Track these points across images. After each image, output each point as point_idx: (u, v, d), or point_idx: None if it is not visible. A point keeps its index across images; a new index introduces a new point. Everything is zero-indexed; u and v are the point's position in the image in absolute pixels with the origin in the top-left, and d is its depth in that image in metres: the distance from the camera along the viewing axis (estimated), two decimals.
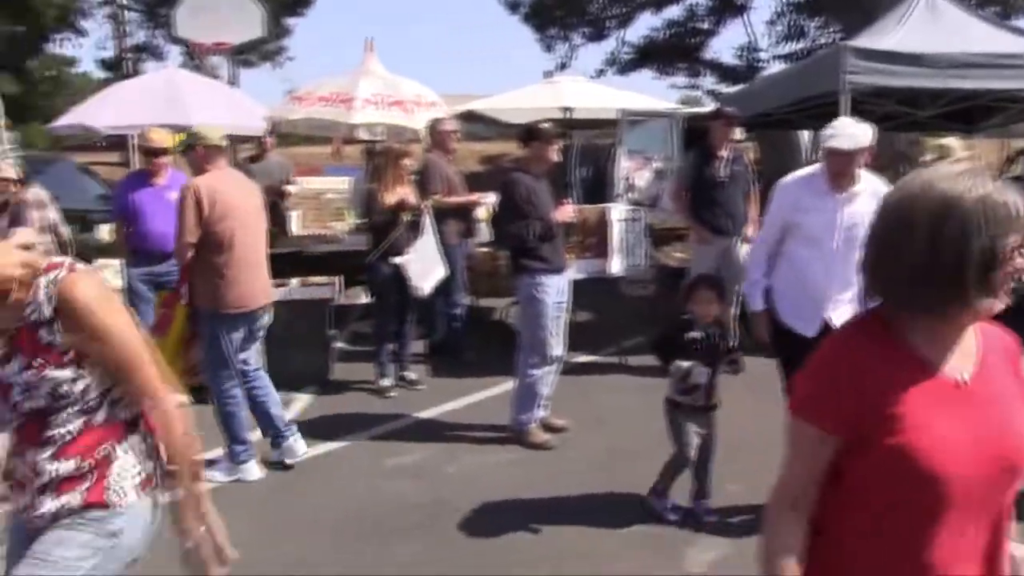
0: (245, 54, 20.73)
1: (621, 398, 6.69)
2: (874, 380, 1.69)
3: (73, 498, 2.30)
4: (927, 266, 1.64)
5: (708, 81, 23.81)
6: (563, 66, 20.87)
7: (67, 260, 2.28)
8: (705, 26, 22.74)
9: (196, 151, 5.32)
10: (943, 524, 1.67)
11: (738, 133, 11.42)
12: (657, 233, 8.82)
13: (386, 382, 7.10)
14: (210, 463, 5.27)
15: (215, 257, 5.20)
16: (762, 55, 22.18)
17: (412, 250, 6.92)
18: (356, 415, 6.59)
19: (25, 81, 26.76)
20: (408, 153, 7.10)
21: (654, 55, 22.87)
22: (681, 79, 24.07)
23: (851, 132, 4.36)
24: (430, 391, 7.15)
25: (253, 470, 5.47)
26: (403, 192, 6.95)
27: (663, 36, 22.59)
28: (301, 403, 6.94)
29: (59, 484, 2.31)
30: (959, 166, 1.69)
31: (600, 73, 21.85)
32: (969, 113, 11.36)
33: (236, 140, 13.41)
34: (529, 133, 5.91)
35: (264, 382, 5.66)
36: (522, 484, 5.24)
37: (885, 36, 8.84)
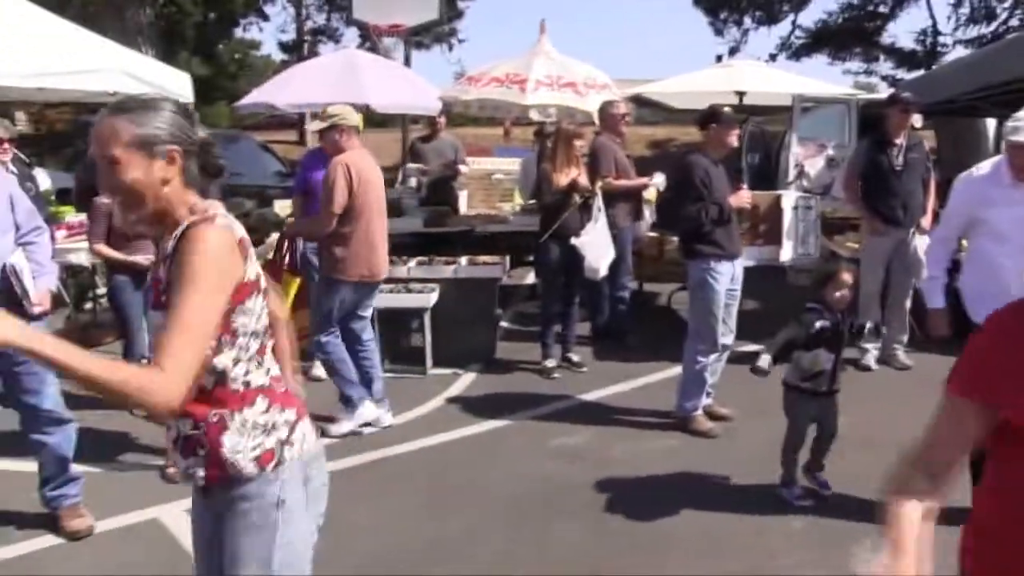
0: (419, 36, 21.18)
1: None
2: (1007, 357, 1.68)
3: (198, 463, 2.21)
4: None
5: (885, 67, 22.90)
6: (734, 50, 20.49)
7: (218, 210, 2.21)
8: (883, 9, 21.86)
9: (337, 131, 5.69)
10: None
11: (917, 121, 11.01)
12: (828, 222, 8.56)
13: (550, 363, 7.15)
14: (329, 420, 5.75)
15: (348, 229, 5.58)
16: (944, 39, 21.14)
17: (586, 232, 6.94)
18: (520, 394, 6.67)
19: (214, 64, 28.19)
20: (580, 135, 7.11)
21: (828, 39, 22.15)
22: (856, 64, 23.22)
23: None
24: (593, 374, 7.16)
25: (371, 410, 5.85)
26: (574, 173, 6.97)
27: (838, 20, 21.84)
28: (466, 380, 7.06)
29: (184, 442, 2.23)
30: None
31: (772, 58, 21.37)
32: None
33: (409, 120, 13.80)
34: (708, 116, 5.83)
35: (375, 355, 6.06)
36: (684, 472, 5.19)
37: None
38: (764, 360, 4.62)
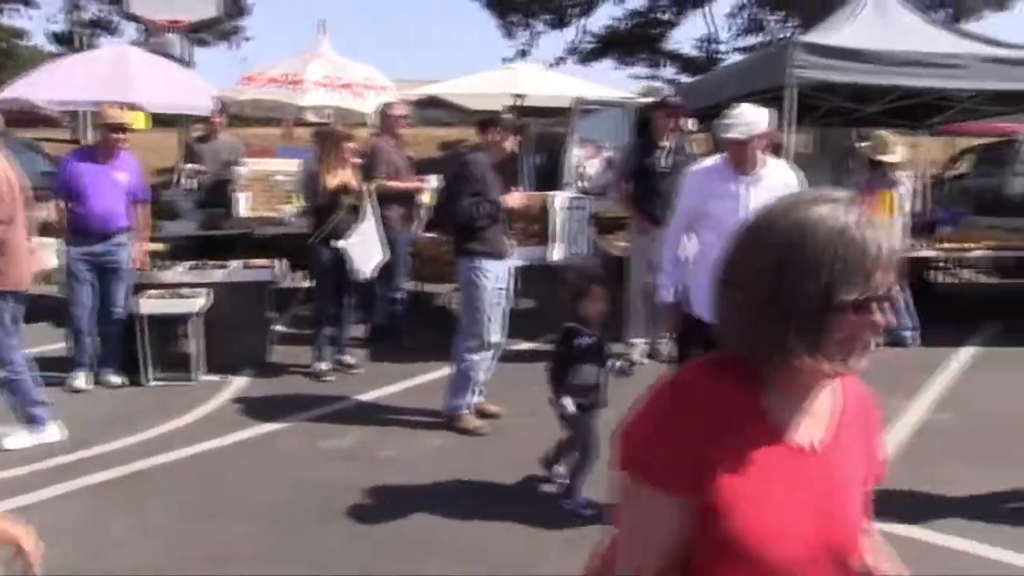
0: (200, 32, 20.42)
1: None
2: (712, 435, 1.40)
3: None
4: (756, 302, 1.40)
5: (668, 72, 23.93)
6: (524, 53, 20.91)
7: None
8: (666, 17, 22.84)
9: None
10: None
11: (690, 124, 11.56)
12: (605, 222, 8.85)
13: (323, 365, 7.07)
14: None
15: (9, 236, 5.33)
16: (722, 47, 22.35)
17: (353, 234, 6.91)
18: (292, 398, 6.57)
19: None
20: (351, 136, 7.06)
21: (615, 45, 22.95)
22: (642, 69, 24.14)
23: (745, 120, 4.38)
24: (368, 375, 7.15)
25: (54, 430, 5.63)
26: (345, 175, 6.92)
27: (625, 26, 22.63)
28: (237, 385, 6.89)
29: None
30: (837, 192, 1.45)
31: (560, 61, 21.93)
32: (914, 111, 11.51)
33: (191, 120, 13.29)
34: (487, 121, 5.93)
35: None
36: (452, 471, 5.22)
37: (834, 33, 8.96)
38: (567, 402, 4.61)
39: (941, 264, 11.22)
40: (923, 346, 8.40)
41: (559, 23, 21.67)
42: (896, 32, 8.73)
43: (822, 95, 9.83)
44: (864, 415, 1.59)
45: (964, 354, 8.22)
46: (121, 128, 6.76)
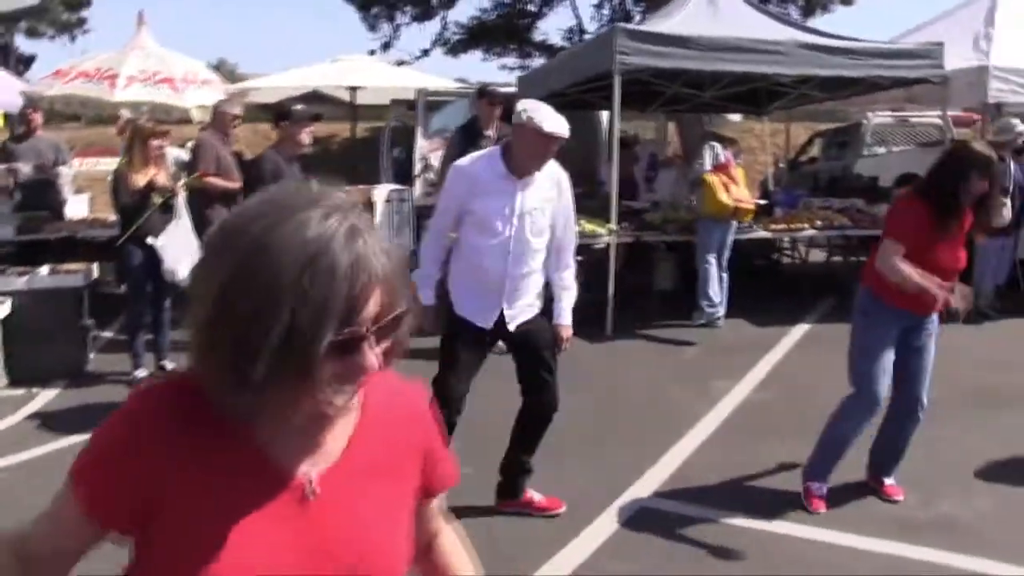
0: (24, 21, 19.37)
1: None
2: (166, 473, 1.18)
3: None
4: (206, 326, 1.14)
5: (538, 62, 23.94)
6: (387, 46, 20.63)
7: None
8: (533, 8, 22.85)
9: None
10: None
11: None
12: None
13: (140, 372, 6.82)
14: None
15: None
16: (588, 37, 22.43)
17: (165, 233, 6.66)
18: (101, 408, 6.26)
19: None
20: (157, 133, 6.78)
21: (483, 36, 22.85)
22: (512, 60, 24.13)
23: (560, 117, 4.09)
24: None
25: None
26: (152, 173, 6.66)
27: (491, 17, 22.57)
28: (45, 398, 6.58)
29: None
30: (336, 196, 1.16)
31: (426, 53, 21.73)
32: (755, 96, 11.76)
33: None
34: (279, 115, 5.78)
35: None
36: None
37: (664, 20, 9.07)
38: None
39: (785, 246, 11.52)
40: (758, 326, 8.59)
41: (423, 15, 21.50)
42: (725, 20, 8.89)
43: (662, 82, 9.95)
44: (400, 418, 1.38)
45: (797, 332, 8.41)
46: None
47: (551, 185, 4.21)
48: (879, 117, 15.50)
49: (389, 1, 20.52)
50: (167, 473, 1.18)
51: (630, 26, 8.32)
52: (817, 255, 11.75)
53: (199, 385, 1.18)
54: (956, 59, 9.20)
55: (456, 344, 4.28)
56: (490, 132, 7.34)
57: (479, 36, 22.95)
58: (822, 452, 4.62)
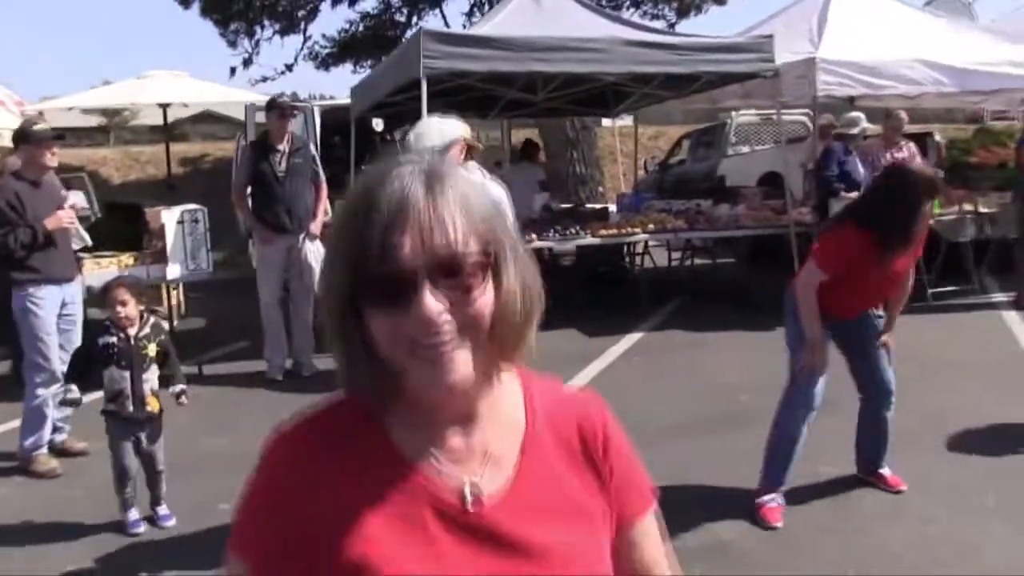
0: None
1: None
2: (320, 498, 1.06)
3: None
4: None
5: (307, 67, 23.46)
6: (248, 62, 20.05)
7: None
8: (402, 18, 22.53)
9: None
10: None
11: (379, 125, 11.28)
12: None
13: None
14: None
15: None
16: None
17: None
18: None
19: None
20: None
21: (353, 48, 22.41)
22: None
23: (439, 129, 4.07)
24: None
25: None
26: None
27: (359, 29, 22.17)
28: None
29: None
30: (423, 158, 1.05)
31: (289, 68, 21.16)
32: (603, 98, 11.66)
33: None
34: (18, 136, 5.39)
35: None
36: (23, 521, 4.67)
37: (488, 21, 8.87)
38: (74, 391, 4.50)
39: (639, 251, 11.39)
40: (589, 336, 8.39)
41: (286, 29, 21.00)
42: (548, 19, 8.69)
43: (493, 87, 9.74)
44: (581, 440, 1.17)
45: (627, 341, 8.22)
46: None
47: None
48: (743, 116, 15.49)
49: (249, 17, 19.99)
50: (310, 499, 1.06)
51: (436, 29, 8.13)
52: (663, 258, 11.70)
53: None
54: (787, 54, 9.17)
55: None
56: (282, 146, 7.00)
57: (349, 48, 22.51)
58: (769, 460, 4.41)
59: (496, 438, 1.10)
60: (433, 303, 0.96)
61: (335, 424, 1.10)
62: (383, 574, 1.01)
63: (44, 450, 5.38)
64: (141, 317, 4.48)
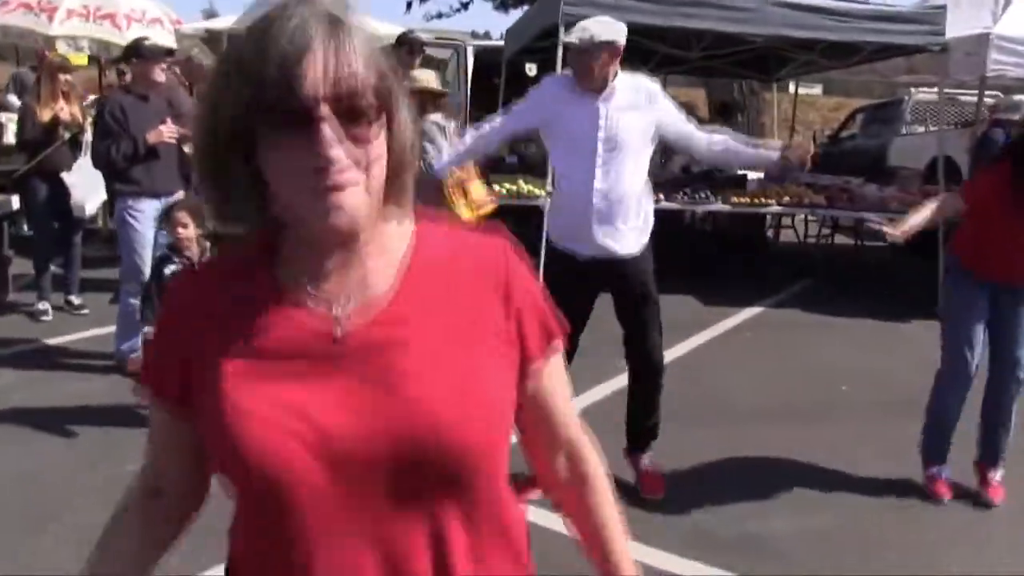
0: None
1: None
2: (204, 326, 1.12)
3: None
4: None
5: (487, 7, 22.73)
6: None
7: None
8: None
9: None
10: (310, 545, 1.08)
11: (532, 70, 11.17)
12: None
13: (43, 305, 6.78)
14: None
15: None
16: None
17: (76, 168, 6.59)
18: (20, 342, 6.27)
19: None
20: (67, 68, 6.67)
21: None
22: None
23: (587, 26, 3.95)
24: (94, 315, 6.81)
25: None
26: (60, 107, 6.55)
27: None
28: None
29: None
30: None
31: (465, 6, 20.98)
32: (765, 62, 11.20)
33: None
34: (128, 51, 5.63)
35: None
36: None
37: None
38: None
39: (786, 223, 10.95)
40: (706, 304, 8.16)
41: None
42: None
43: (642, 39, 9.46)
44: (468, 270, 1.17)
45: (739, 317, 7.92)
46: None
47: (641, 103, 3.97)
48: (922, 93, 14.50)
49: None
50: (200, 333, 1.13)
51: None
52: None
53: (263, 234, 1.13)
54: (961, 27, 8.47)
55: (554, 276, 3.88)
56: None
57: None
58: (928, 436, 4.34)
59: (376, 274, 1.12)
60: (332, 134, 0.98)
61: (234, 264, 1.15)
62: (242, 407, 1.06)
63: (139, 353, 5.68)
64: (198, 243, 4.54)
